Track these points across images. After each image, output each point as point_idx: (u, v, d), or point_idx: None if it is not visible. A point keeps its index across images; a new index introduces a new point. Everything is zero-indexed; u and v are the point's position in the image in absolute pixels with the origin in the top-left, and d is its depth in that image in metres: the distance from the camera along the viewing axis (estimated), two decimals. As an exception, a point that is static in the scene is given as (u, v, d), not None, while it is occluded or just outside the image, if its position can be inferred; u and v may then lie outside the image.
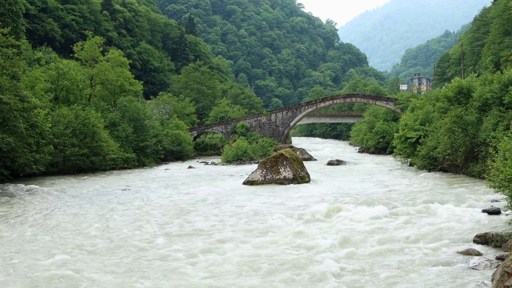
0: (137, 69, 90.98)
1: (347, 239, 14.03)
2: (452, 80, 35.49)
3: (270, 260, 12.17)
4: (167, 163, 48.93)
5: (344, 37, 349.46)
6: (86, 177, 34.03)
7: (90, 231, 15.83)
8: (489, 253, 12.08)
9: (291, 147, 56.89)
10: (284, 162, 28.98)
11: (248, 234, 15.21)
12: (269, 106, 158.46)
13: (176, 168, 42.39)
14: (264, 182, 28.15)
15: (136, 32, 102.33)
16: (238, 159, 49.24)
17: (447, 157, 30.35)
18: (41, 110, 31.69)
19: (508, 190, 12.90)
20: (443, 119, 31.72)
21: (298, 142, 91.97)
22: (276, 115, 68.81)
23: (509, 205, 13.37)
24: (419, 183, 26.91)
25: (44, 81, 41.02)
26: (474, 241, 13.12)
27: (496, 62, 59.82)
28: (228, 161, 48.75)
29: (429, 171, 33.30)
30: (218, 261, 12.29)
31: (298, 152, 48.74)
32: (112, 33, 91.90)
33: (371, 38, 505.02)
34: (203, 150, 66.17)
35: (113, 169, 39.52)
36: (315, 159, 50.56)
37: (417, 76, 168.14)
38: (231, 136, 67.39)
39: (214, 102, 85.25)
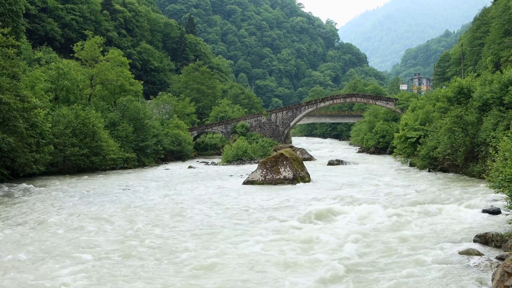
0: (137, 69, 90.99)
1: (347, 239, 14.03)
2: (451, 80, 35.47)
3: (273, 261, 12.18)
4: (167, 163, 48.92)
5: (344, 37, 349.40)
6: (86, 177, 33.99)
7: (89, 231, 15.83)
8: (489, 253, 12.08)
9: (291, 147, 56.86)
10: (284, 162, 28.95)
11: (248, 235, 15.22)
12: (269, 106, 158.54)
13: (176, 168, 42.39)
14: (264, 182, 28.13)
15: (136, 32, 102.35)
16: (238, 159, 49.24)
17: (447, 157, 30.35)
18: (41, 110, 31.70)
19: (508, 190, 12.88)
20: (443, 119, 31.71)
21: (298, 142, 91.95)
22: (276, 115, 68.82)
23: (509, 205, 13.36)
24: (419, 183, 26.90)
25: (44, 81, 41.05)
26: (474, 241, 13.12)
27: (496, 62, 59.75)
28: (228, 161, 48.75)
29: (429, 171, 33.30)
30: (216, 262, 12.30)
31: (298, 152, 48.73)
32: (112, 33, 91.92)
33: (371, 38, 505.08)
34: (203, 150, 66.18)
35: (113, 169, 39.52)
36: (315, 159, 50.59)
37: (417, 76, 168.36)
38: (231, 136, 67.40)
39: (214, 102, 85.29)
